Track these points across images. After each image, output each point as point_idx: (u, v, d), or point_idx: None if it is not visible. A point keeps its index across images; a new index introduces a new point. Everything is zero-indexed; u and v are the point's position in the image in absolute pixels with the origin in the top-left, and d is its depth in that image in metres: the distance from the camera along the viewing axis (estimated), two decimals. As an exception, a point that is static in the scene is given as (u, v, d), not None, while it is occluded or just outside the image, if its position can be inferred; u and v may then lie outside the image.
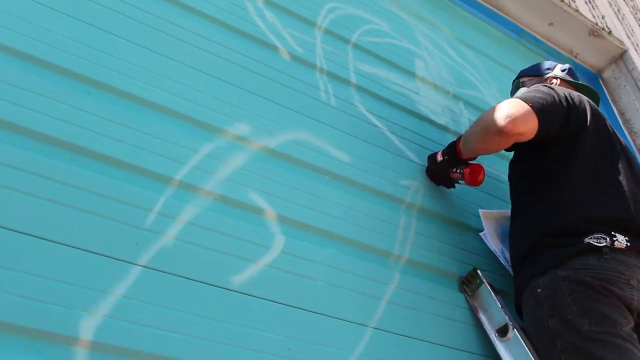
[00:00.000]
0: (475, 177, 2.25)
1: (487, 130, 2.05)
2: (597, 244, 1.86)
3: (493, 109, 2.04)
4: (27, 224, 1.42)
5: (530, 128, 1.98)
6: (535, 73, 2.61)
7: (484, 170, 2.27)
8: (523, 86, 2.53)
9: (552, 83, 2.46)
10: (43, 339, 1.32)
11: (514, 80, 2.71)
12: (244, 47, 2.19)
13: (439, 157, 2.32)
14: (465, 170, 2.25)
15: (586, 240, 1.87)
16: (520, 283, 2.02)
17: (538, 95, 2.04)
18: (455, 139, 2.32)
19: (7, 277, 1.34)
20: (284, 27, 2.39)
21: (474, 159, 2.29)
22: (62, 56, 1.73)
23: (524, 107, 1.98)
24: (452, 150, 2.28)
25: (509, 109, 1.98)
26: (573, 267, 1.85)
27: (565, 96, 2.10)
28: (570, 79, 2.51)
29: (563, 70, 2.54)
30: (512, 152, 2.32)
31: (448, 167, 2.29)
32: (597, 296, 1.79)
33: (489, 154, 2.35)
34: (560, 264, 1.88)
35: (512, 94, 2.58)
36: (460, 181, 2.30)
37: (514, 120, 1.95)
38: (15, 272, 1.35)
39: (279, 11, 2.43)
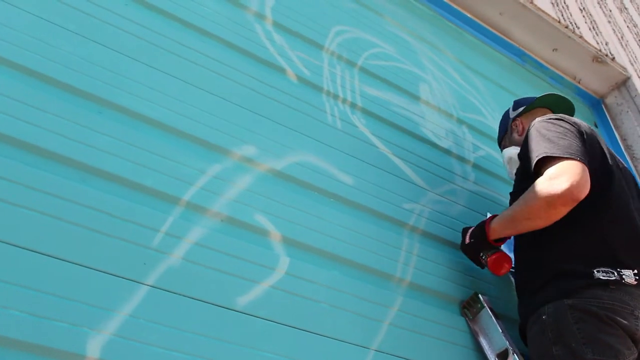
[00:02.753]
0: (499, 268, 2.13)
1: (549, 203, 1.86)
2: (607, 278, 1.87)
3: (550, 178, 1.87)
4: (36, 242, 1.44)
5: (588, 183, 1.87)
6: (503, 131, 2.58)
7: (510, 261, 2.14)
8: (505, 145, 2.52)
9: (516, 126, 2.45)
10: (50, 356, 1.34)
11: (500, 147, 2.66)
12: (252, 69, 2.23)
13: (467, 240, 2.22)
14: (490, 259, 2.13)
15: (595, 274, 1.88)
16: (526, 309, 2.02)
17: (567, 141, 1.94)
18: (485, 218, 2.19)
19: (15, 294, 1.36)
20: (292, 50, 2.42)
21: (502, 241, 2.17)
22: (74, 76, 1.76)
23: (575, 164, 1.86)
24: (480, 232, 2.17)
25: (566, 173, 1.84)
26: (580, 296, 1.86)
27: (571, 127, 2.05)
28: (522, 108, 2.49)
29: (514, 109, 2.52)
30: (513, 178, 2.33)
31: (476, 250, 2.18)
32: (602, 326, 1.80)
33: (531, 230, 2.05)
34: (568, 295, 1.89)
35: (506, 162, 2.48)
36: (485, 266, 2.19)
37: (581, 187, 1.83)
38: (23, 289, 1.37)
39: (287, 34, 2.46)
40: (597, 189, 1.98)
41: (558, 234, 2.01)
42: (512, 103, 2.59)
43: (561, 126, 2.02)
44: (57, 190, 1.54)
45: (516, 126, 2.48)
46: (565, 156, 1.88)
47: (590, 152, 2.01)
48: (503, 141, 2.59)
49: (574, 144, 1.94)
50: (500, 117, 2.82)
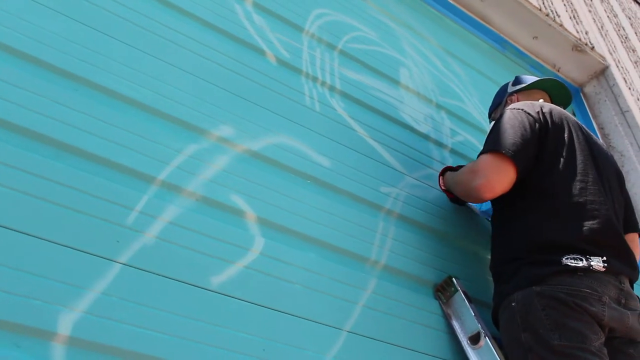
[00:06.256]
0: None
1: (468, 193, 2.16)
2: (575, 265, 1.89)
3: (472, 171, 2.12)
4: (9, 219, 1.44)
5: (509, 180, 2.04)
6: (497, 102, 2.69)
7: None
8: (495, 118, 2.63)
9: (511, 101, 2.52)
10: (22, 333, 1.34)
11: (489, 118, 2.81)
12: (231, 49, 2.22)
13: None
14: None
15: (563, 261, 1.91)
16: (498, 298, 2.05)
17: (510, 135, 2.07)
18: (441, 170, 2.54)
19: (-12, 270, 1.35)
20: (271, 31, 2.41)
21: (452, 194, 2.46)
22: (50, 53, 1.75)
23: (500, 163, 2.03)
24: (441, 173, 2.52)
25: (486, 173, 2.04)
26: (548, 283, 1.88)
27: (537, 117, 2.12)
28: (522, 85, 2.57)
29: (514, 84, 2.61)
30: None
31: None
32: (569, 312, 1.82)
33: None
34: (537, 283, 1.91)
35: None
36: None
37: (492, 186, 2.03)
38: (-5, 266, 1.37)
39: (268, 15, 2.45)
40: (562, 179, 2.05)
41: (527, 222, 2.05)
42: (514, 77, 2.67)
43: (520, 119, 2.11)
44: (31, 167, 1.54)
45: (511, 101, 2.56)
46: (498, 150, 2.04)
47: (553, 143, 2.11)
48: (494, 112, 2.70)
49: (519, 141, 2.05)
50: (479, 103, 2.84)
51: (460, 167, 2.49)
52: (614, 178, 2.22)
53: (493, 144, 2.08)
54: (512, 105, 2.22)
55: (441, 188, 2.45)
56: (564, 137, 2.12)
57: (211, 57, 2.14)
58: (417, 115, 2.77)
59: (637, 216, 2.45)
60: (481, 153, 2.12)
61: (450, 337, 2.11)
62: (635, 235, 2.31)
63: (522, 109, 2.15)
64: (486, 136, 2.19)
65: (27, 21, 1.76)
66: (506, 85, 2.68)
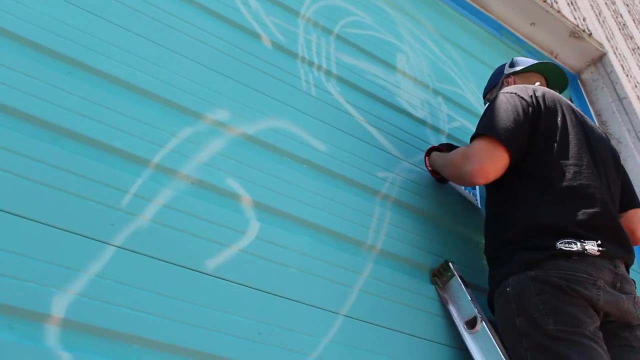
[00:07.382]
0: None
1: (461, 177, 2.15)
2: (569, 249, 1.89)
3: (465, 155, 2.11)
4: (4, 201, 1.43)
5: (502, 166, 2.04)
6: (493, 84, 2.69)
7: None
8: (490, 99, 2.65)
9: (508, 83, 2.51)
10: (15, 315, 1.33)
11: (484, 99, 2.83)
12: (226, 33, 2.20)
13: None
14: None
15: (558, 245, 1.90)
16: (493, 283, 2.05)
17: (503, 119, 2.06)
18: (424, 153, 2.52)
19: (-19, 252, 1.35)
20: (267, 15, 2.40)
21: (438, 174, 2.45)
22: (44, 35, 1.73)
23: (493, 149, 2.03)
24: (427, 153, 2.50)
25: (479, 158, 2.03)
26: (542, 268, 1.88)
27: (530, 101, 2.12)
28: (520, 68, 2.57)
29: (511, 66, 2.61)
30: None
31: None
32: (563, 296, 1.82)
33: None
34: (532, 267, 1.90)
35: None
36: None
37: (485, 172, 2.02)
38: (-11, 248, 1.36)
39: (263, -1, 2.44)
40: (555, 163, 2.04)
41: (521, 206, 2.04)
42: (511, 59, 2.67)
43: (513, 103, 2.10)
44: (24, 149, 1.53)
45: (507, 83, 2.56)
46: (492, 136, 2.04)
47: (546, 127, 2.10)
48: (489, 93, 2.71)
49: (512, 126, 2.04)
50: (475, 89, 2.83)
51: (445, 145, 2.50)
52: (610, 160, 2.21)
53: (486, 128, 2.08)
54: (505, 89, 2.21)
55: (427, 168, 2.44)
56: (557, 121, 2.11)
57: (207, 41, 2.12)
58: (414, 100, 2.76)
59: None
60: (474, 136, 2.12)
61: (447, 322, 2.11)
62: (638, 210, 2.31)
63: (515, 93, 2.14)
64: (479, 118, 2.19)
65: (25, 5, 1.75)
66: (502, 66, 2.67)
